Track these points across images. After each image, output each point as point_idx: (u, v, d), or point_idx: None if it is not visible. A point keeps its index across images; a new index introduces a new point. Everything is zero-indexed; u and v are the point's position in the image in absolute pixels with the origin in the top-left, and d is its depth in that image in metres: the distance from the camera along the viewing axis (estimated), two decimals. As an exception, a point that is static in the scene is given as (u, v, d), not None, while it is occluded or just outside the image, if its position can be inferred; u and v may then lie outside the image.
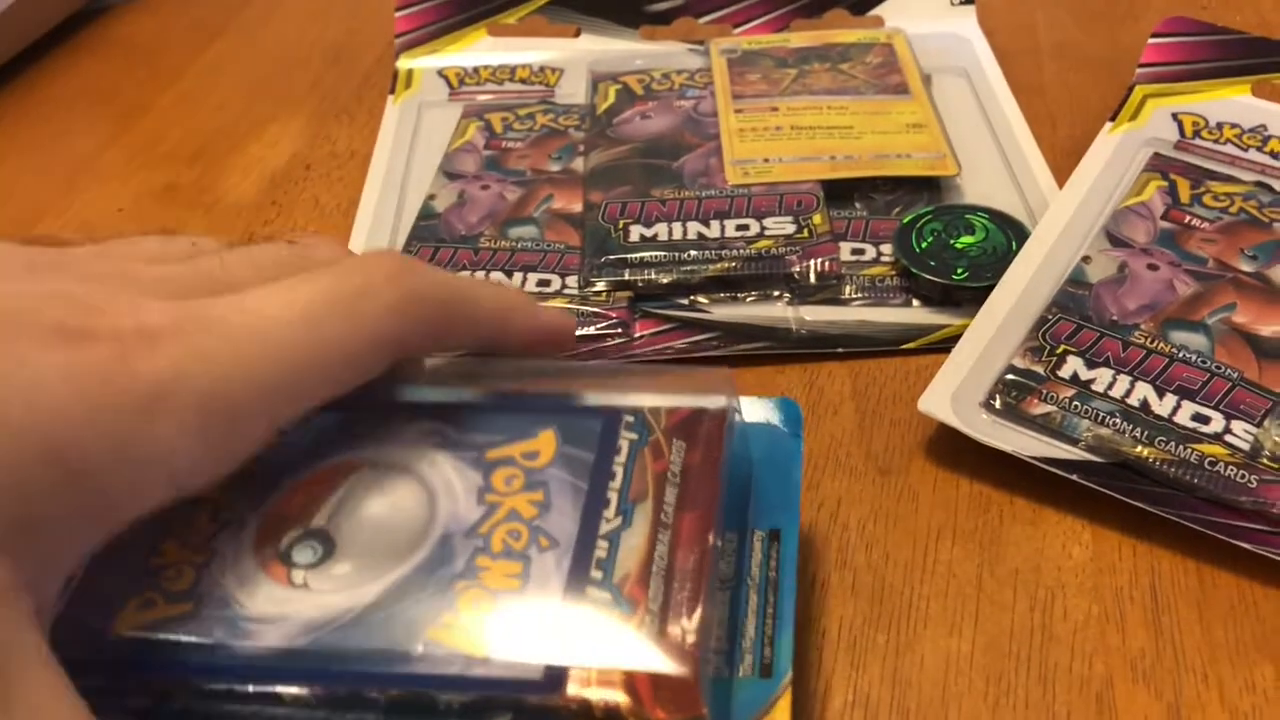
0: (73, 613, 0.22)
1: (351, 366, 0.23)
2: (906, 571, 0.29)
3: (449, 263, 0.39)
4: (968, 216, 0.39)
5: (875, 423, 0.33)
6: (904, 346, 0.36)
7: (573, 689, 0.21)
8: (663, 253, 0.38)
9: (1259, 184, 0.39)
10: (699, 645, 0.21)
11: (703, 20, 0.51)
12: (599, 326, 0.36)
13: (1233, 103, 0.43)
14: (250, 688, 0.21)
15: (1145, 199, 0.39)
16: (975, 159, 0.43)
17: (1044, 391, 0.32)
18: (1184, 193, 0.39)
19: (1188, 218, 0.38)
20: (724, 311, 0.37)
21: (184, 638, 0.22)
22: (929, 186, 0.42)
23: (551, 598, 0.22)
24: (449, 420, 0.25)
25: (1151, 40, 0.44)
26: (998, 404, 0.32)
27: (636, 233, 0.39)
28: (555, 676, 0.21)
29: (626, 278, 0.38)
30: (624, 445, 0.25)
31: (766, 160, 0.42)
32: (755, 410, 0.28)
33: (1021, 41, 0.51)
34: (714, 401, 0.25)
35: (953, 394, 0.32)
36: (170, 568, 0.23)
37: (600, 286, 0.38)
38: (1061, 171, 0.41)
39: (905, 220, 0.39)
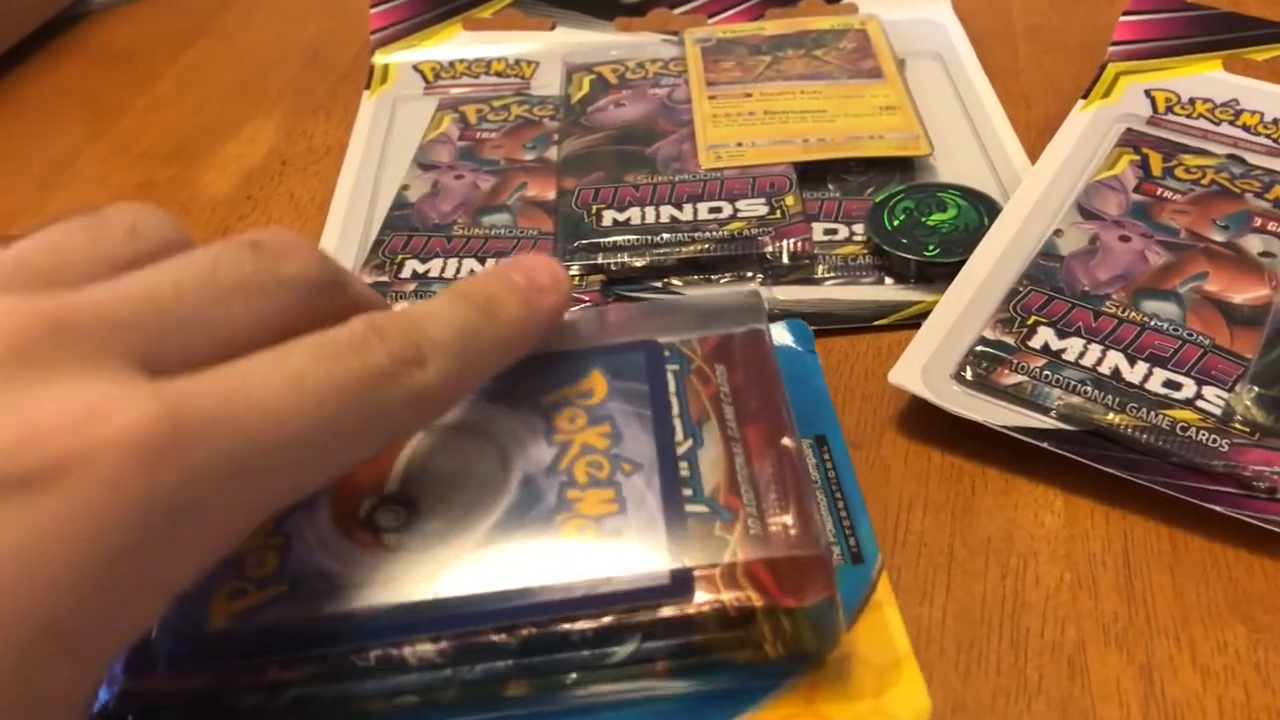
0: (165, 616, 0.21)
1: (357, 457, 0.21)
2: (878, 542, 0.29)
3: (422, 250, 0.39)
4: (940, 194, 0.39)
5: (847, 398, 0.33)
6: (876, 323, 0.36)
7: (702, 593, 0.21)
8: (635, 236, 0.38)
9: (1231, 156, 0.39)
10: (809, 531, 0.22)
11: (677, 11, 0.51)
12: (572, 310, 0.36)
13: (1205, 78, 0.43)
14: (374, 654, 0.20)
15: (1117, 173, 0.39)
16: (949, 140, 0.43)
17: (1015, 362, 0.32)
18: (1156, 166, 0.39)
19: (1160, 190, 0.38)
20: (697, 293, 0.37)
21: (291, 615, 0.21)
22: (902, 167, 0.42)
23: (653, 515, 0.22)
24: (490, 379, 0.25)
25: (1123, 18, 0.44)
26: (968, 375, 0.32)
27: (609, 217, 0.39)
28: (682, 580, 0.21)
29: (599, 261, 0.38)
30: (670, 376, 0.25)
31: (740, 144, 0.42)
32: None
33: (996, 24, 0.51)
34: (744, 326, 0.26)
35: (923, 366, 0.32)
36: (249, 555, 0.22)
37: (574, 270, 0.38)
38: (1035, 151, 0.41)
39: (877, 199, 0.39)
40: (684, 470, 0.23)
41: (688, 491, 0.23)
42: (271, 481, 0.19)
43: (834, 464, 0.27)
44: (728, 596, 0.21)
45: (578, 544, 0.22)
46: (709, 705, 0.22)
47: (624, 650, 0.21)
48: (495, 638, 0.21)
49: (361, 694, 0.21)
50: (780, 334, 0.30)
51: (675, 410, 0.24)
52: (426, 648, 0.21)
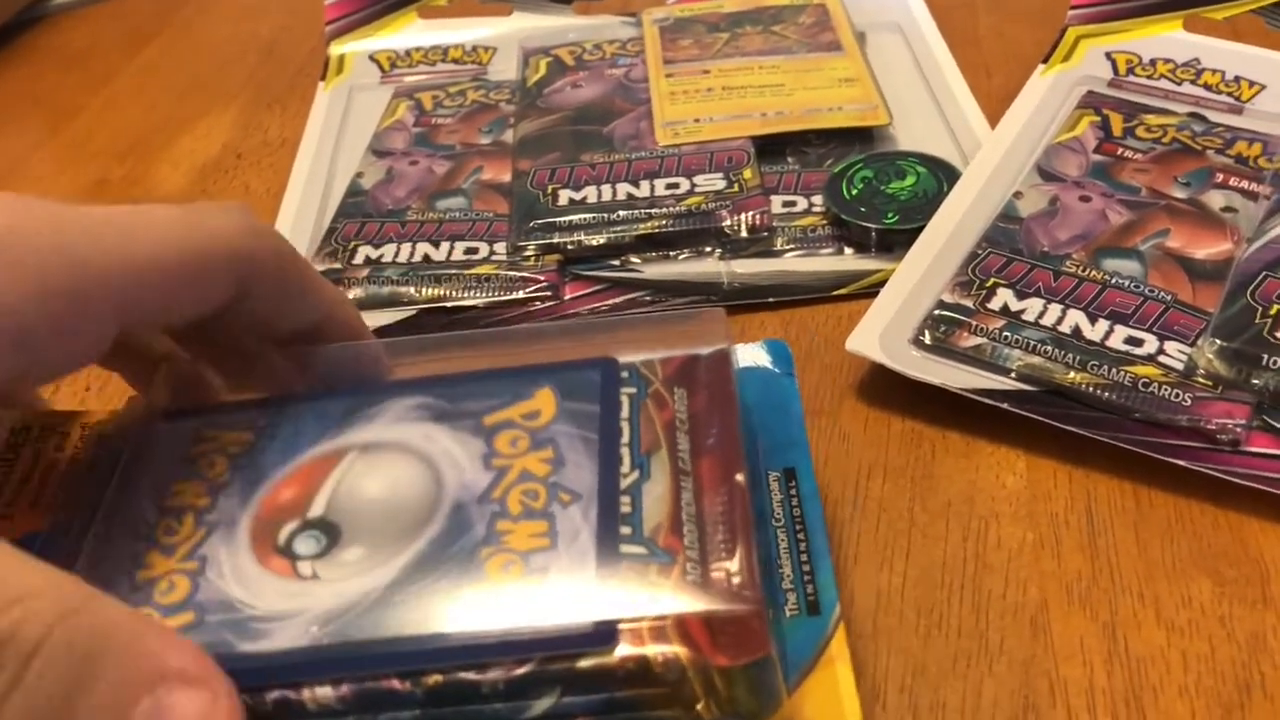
0: None
1: (202, 270, 0.22)
2: (836, 509, 0.29)
3: (376, 235, 0.38)
4: (899, 163, 0.39)
5: (806, 367, 0.33)
6: (835, 293, 0.35)
7: (626, 645, 0.19)
8: (592, 215, 0.38)
9: (1192, 114, 0.39)
10: (749, 583, 0.20)
11: (636, -8, 0.51)
12: (528, 290, 0.36)
13: (1165, 39, 0.42)
14: (270, 697, 0.19)
15: (1078, 134, 0.38)
16: (909, 110, 0.42)
17: (974, 324, 0.31)
18: (1117, 126, 0.38)
19: (1120, 150, 0.37)
20: (655, 270, 0.37)
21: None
22: (862, 139, 0.41)
23: (585, 553, 0.20)
24: (433, 393, 0.24)
25: (1082, -19, 0.44)
26: (927, 339, 0.31)
27: (565, 196, 0.39)
28: (606, 631, 0.19)
29: (555, 241, 0.37)
30: (624, 399, 0.23)
31: (697, 120, 0.42)
32: (744, 355, 0.27)
33: (957, -4, 0.51)
34: (709, 346, 0.24)
35: (881, 333, 0.31)
36: (160, 579, 0.21)
37: (529, 251, 0.37)
38: (996, 119, 0.41)
39: (835, 170, 0.39)
40: (625, 505, 0.21)
41: (626, 529, 0.21)
42: None
43: (800, 502, 0.25)
44: (654, 651, 0.19)
45: (499, 584, 0.20)
46: None
47: (541, 705, 0.19)
48: (399, 685, 0.19)
49: None
50: (758, 354, 0.27)
51: (625, 438, 0.22)
52: (326, 691, 0.19)
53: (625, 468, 0.22)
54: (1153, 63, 0.41)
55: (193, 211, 0.22)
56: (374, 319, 0.34)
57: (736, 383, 0.24)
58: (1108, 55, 0.42)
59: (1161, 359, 0.30)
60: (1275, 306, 0.30)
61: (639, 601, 0.19)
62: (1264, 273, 0.31)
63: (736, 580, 0.20)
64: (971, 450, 0.30)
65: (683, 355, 0.24)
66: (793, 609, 0.23)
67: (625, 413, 0.23)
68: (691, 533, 0.21)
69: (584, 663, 0.19)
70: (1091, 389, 0.29)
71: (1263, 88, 0.40)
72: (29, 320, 0.19)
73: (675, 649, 0.19)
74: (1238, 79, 0.40)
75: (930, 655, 0.25)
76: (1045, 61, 0.42)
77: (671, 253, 0.37)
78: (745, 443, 0.23)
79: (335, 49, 0.49)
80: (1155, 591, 0.26)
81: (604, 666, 0.19)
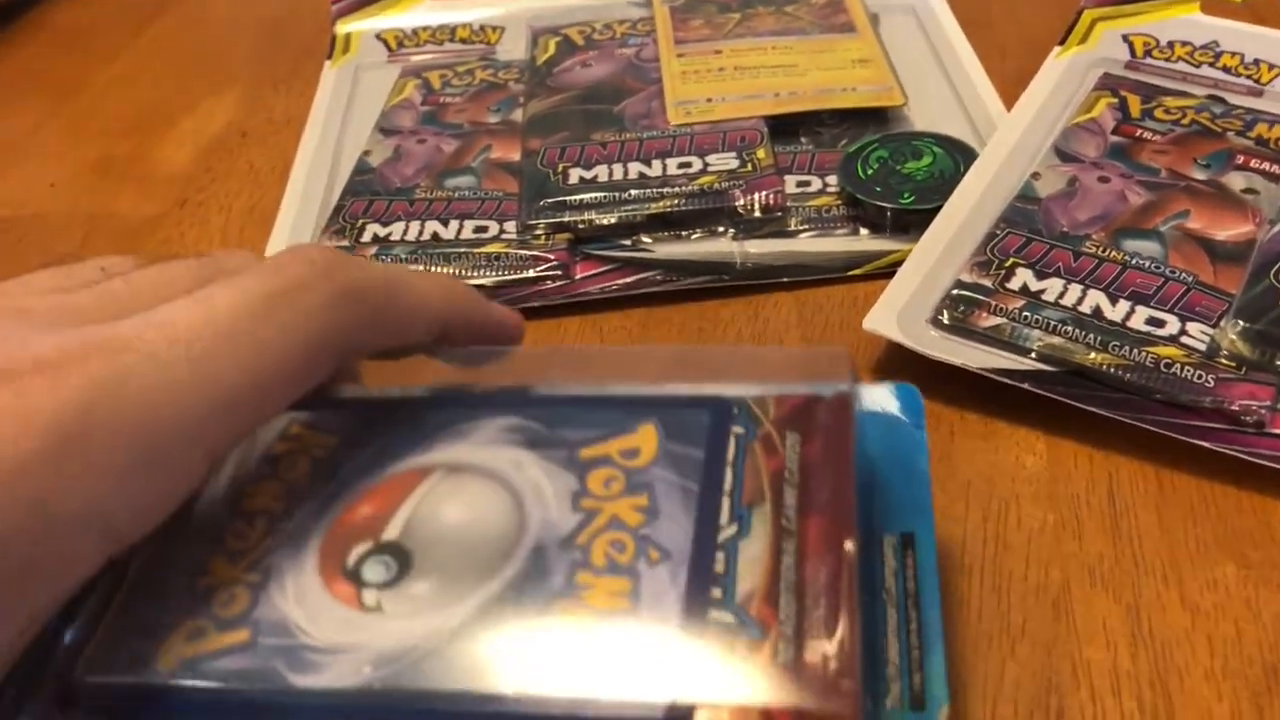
0: (111, 640, 0.19)
1: (289, 376, 0.20)
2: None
3: (385, 214, 0.38)
4: (915, 143, 0.38)
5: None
6: (850, 273, 0.35)
7: None
8: (603, 194, 0.37)
9: (1211, 97, 0.38)
10: (847, 672, 0.18)
11: (646, -27, 0.50)
12: (538, 269, 0.35)
13: (1183, 21, 0.42)
14: None
15: (1095, 115, 0.38)
16: (924, 91, 0.42)
17: (993, 304, 0.31)
18: (1135, 108, 0.38)
19: (1139, 131, 0.37)
20: (667, 250, 0.36)
21: (239, 672, 0.19)
22: (876, 120, 0.41)
23: (667, 621, 0.18)
24: (532, 415, 0.22)
25: (1098, -37, 0.43)
26: (945, 319, 0.31)
27: (576, 175, 0.38)
28: (681, 717, 0.17)
29: (566, 220, 0.37)
30: (731, 440, 0.21)
31: (709, 100, 0.41)
32: (869, 397, 0.25)
33: (970, -21, 0.50)
34: (829, 386, 0.22)
35: (899, 312, 0.31)
36: (221, 589, 0.20)
37: (539, 230, 0.36)
38: (1011, 101, 0.40)
39: (850, 150, 0.38)
40: (719, 565, 0.19)
41: (716, 592, 0.19)
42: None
43: (917, 574, 0.22)
44: None
45: (572, 646, 0.18)
46: None
47: None
48: None
49: None
50: (884, 398, 0.25)
51: (727, 486, 0.20)
52: None
53: (723, 519, 0.20)
54: (1170, 45, 0.41)
55: (271, 300, 0.20)
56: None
57: (856, 433, 0.21)
58: (1124, 38, 0.41)
59: (1184, 340, 0.29)
60: (1299, 288, 0.30)
61: (721, 682, 0.18)
62: (1287, 254, 0.31)
63: (833, 667, 0.18)
64: (990, 431, 0.29)
65: (800, 395, 0.22)
66: (894, 702, 0.20)
67: (731, 455, 0.21)
68: (789, 604, 0.19)
69: None
70: (1113, 370, 0.29)
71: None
72: (111, 511, 0.18)
73: None
74: (1257, 62, 0.40)
75: (952, 638, 0.25)
76: (1061, 44, 0.41)
77: (684, 232, 0.37)
78: (860, 502, 0.20)
79: (341, 27, 0.49)
80: (1179, 574, 0.26)
81: None
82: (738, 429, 0.21)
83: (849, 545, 0.19)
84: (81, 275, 0.22)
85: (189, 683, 0.19)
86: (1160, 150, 0.36)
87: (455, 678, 0.18)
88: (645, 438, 0.21)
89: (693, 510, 0.20)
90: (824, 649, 0.18)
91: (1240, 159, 0.35)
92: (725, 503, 0.20)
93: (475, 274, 0.35)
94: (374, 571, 0.20)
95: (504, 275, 0.35)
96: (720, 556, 0.19)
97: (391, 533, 0.20)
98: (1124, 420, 0.28)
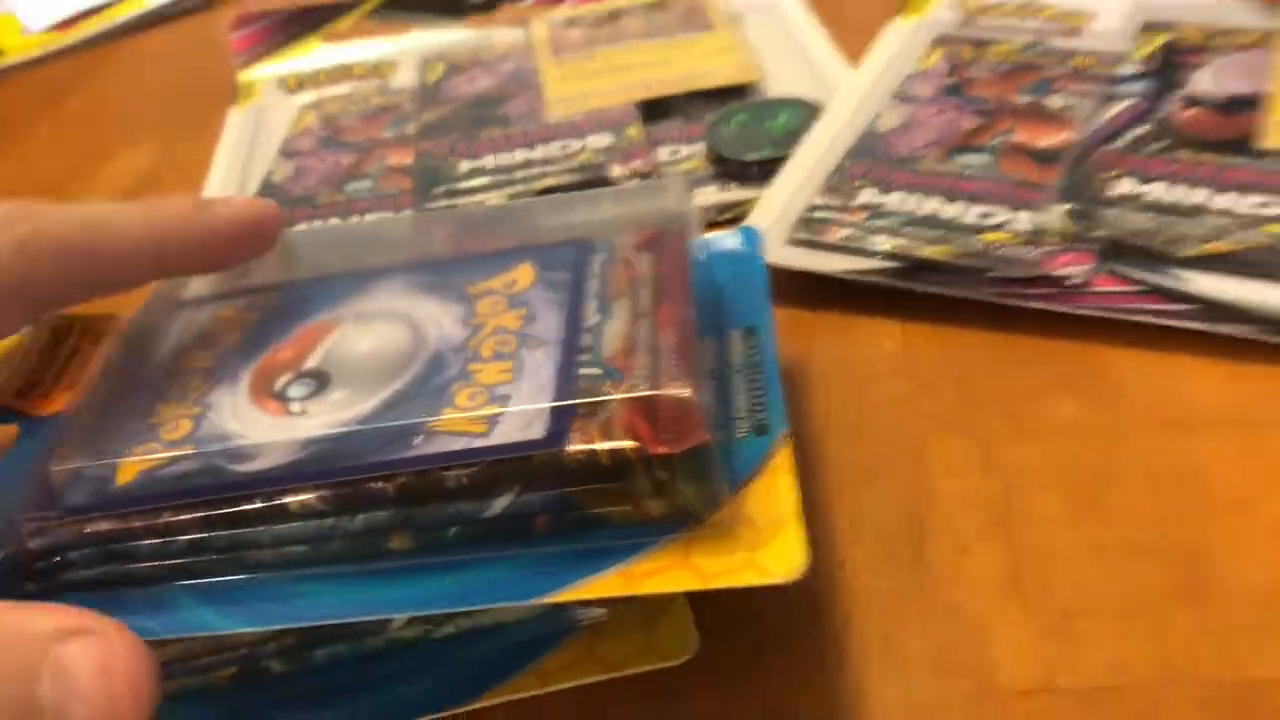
0: (75, 471, 0.23)
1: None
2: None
3: (291, 220, 0.40)
4: (772, 107, 0.41)
5: (697, 279, 0.35)
6: (721, 218, 0.38)
7: (575, 442, 0.21)
8: (490, 178, 0.40)
9: (1034, 43, 0.42)
10: (689, 373, 0.22)
11: (524, 4, 0.54)
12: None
13: (1006, -16, 0.46)
14: (258, 501, 0.22)
15: (931, 64, 0.41)
16: (780, 69, 0.46)
17: (843, 220, 0.34)
18: (966, 55, 0.42)
19: (969, 73, 0.41)
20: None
21: (189, 473, 0.22)
22: (739, 97, 0.44)
23: (545, 380, 0.23)
24: (425, 273, 0.27)
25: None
26: (800, 236, 0.34)
27: (466, 165, 0.41)
28: (557, 433, 0.21)
29: (458, 204, 0.39)
30: (596, 263, 0.26)
31: (586, 95, 0.44)
32: (721, 243, 0.30)
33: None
34: (673, 214, 0.27)
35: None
36: (168, 423, 0.24)
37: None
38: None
39: (713, 119, 0.41)
40: (586, 340, 0.23)
41: (585, 356, 0.23)
42: None
43: (759, 350, 0.26)
44: (601, 444, 0.21)
45: (466, 406, 0.22)
46: (587, 559, 0.22)
47: (501, 502, 0.21)
48: (372, 485, 0.21)
49: (250, 541, 0.22)
50: (732, 241, 0.30)
51: (594, 290, 0.25)
52: (308, 496, 0.21)
53: (590, 311, 0.24)
54: (999, 5, 0.45)
55: None
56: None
57: (692, 243, 0.26)
58: (957, 2, 0.46)
59: (1012, 226, 0.33)
60: (1111, 172, 0.33)
61: (590, 406, 0.22)
62: (1100, 146, 0.35)
63: (679, 378, 0.22)
64: (849, 326, 0.32)
65: (650, 231, 0.27)
66: (743, 432, 0.24)
67: (595, 269, 0.26)
68: (645, 358, 0.23)
69: (538, 459, 0.21)
70: (952, 258, 0.32)
71: (1092, 16, 0.43)
72: None
73: (621, 443, 0.21)
74: (1069, 13, 0.44)
75: (816, 485, 0.27)
76: (900, 14, 0.45)
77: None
78: (711, 307, 0.25)
79: (244, 76, 0.52)
80: (1021, 411, 0.28)
81: (556, 460, 0.21)
82: (601, 256, 0.26)
83: (689, 314, 0.24)
84: None
85: (143, 477, 0.22)
86: (988, 84, 0.40)
87: (372, 444, 0.22)
88: (523, 273, 0.26)
89: (564, 312, 0.25)
90: (675, 383, 0.22)
91: (1058, 84, 0.39)
92: (592, 302, 0.25)
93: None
94: (297, 390, 0.24)
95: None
96: (587, 336, 0.24)
97: (311, 363, 0.25)
98: (967, 297, 0.31)
